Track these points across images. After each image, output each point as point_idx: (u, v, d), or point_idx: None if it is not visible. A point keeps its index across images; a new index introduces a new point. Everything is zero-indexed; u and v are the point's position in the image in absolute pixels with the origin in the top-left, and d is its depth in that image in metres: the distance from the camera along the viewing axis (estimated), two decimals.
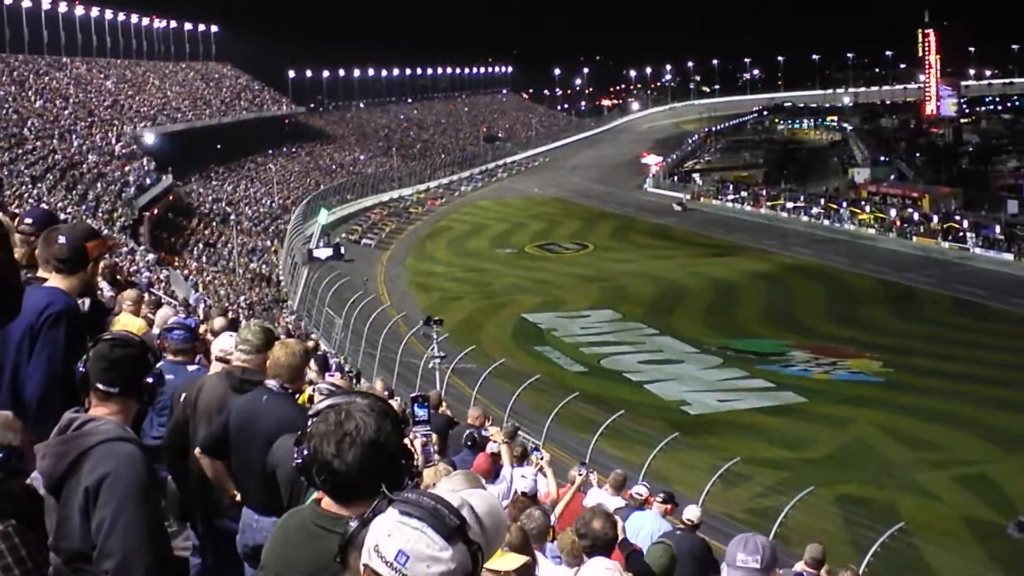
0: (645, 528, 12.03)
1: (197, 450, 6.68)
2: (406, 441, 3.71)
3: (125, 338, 4.82)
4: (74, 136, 70.03)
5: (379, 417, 3.60)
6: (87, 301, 6.26)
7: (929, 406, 47.04)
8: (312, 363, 17.64)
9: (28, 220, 6.85)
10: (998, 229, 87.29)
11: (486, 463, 12.08)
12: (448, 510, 2.67)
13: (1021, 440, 42.58)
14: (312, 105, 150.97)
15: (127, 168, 69.08)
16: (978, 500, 36.96)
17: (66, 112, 75.99)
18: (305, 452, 3.63)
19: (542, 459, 14.21)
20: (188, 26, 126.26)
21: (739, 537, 5.37)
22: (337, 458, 3.53)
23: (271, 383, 6.44)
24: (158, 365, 4.90)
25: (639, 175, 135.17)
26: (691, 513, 12.98)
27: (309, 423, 3.65)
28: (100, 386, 4.57)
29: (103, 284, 13.55)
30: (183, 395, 7.25)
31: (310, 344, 24.87)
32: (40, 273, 5.75)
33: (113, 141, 74.45)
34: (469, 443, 14.53)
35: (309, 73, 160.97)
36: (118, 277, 17.03)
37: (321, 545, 3.61)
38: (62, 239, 5.67)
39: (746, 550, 5.11)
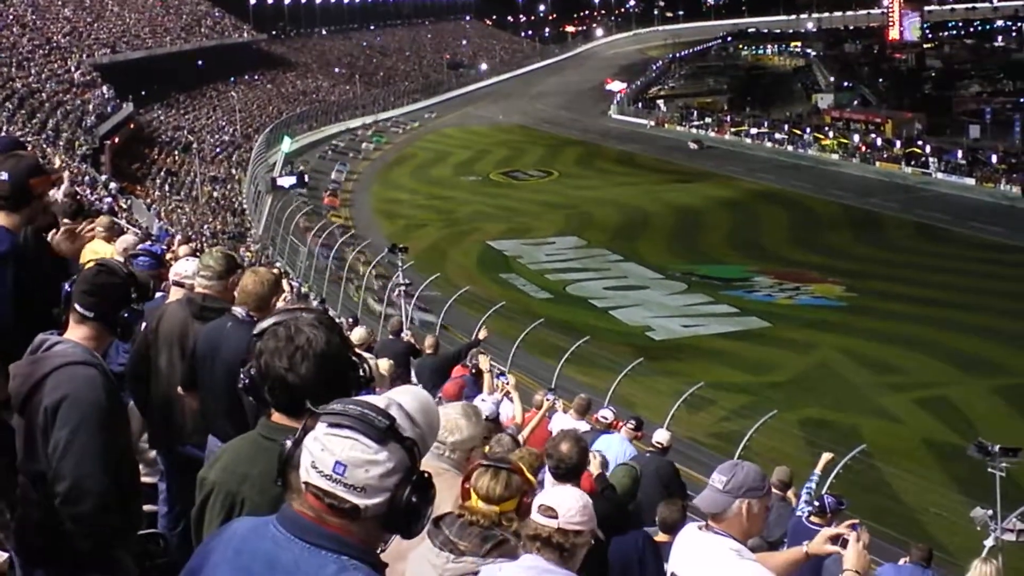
0: (611, 450, 12.12)
1: (179, 388, 6.65)
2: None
3: (113, 267, 4.78)
4: (32, 64, 69.09)
5: (327, 330, 3.67)
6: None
7: (891, 330, 47.46)
8: (288, 289, 17.65)
9: None
10: (960, 154, 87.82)
11: (455, 388, 12.13)
12: (375, 412, 2.69)
13: (981, 363, 43.09)
14: (274, 32, 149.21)
15: (87, 96, 68.32)
16: (939, 422, 37.39)
17: (24, 40, 74.84)
18: (253, 371, 3.67)
19: (508, 383, 14.26)
20: None
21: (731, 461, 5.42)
22: (290, 372, 3.58)
23: (238, 310, 6.36)
24: (142, 304, 4.83)
25: (604, 102, 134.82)
26: (661, 436, 13.14)
27: (257, 342, 3.69)
28: (78, 308, 4.56)
29: (66, 221, 13.38)
30: (144, 322, 7.21)
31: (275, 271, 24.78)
32: None
33: (72, 69, 73.54)
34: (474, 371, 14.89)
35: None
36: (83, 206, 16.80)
37: (272, 456, 3.66)
38: (4, 175, 5.53)
39: (721, 471, 5.15)
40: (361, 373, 3.73)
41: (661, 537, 8.57)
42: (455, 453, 5.29)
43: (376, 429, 2.66)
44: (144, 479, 6.74)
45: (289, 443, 2.84)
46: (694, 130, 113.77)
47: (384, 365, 11.96)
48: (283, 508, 2.79)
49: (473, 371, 15.27)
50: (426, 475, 2.73)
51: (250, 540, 2.78)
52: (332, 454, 2.64)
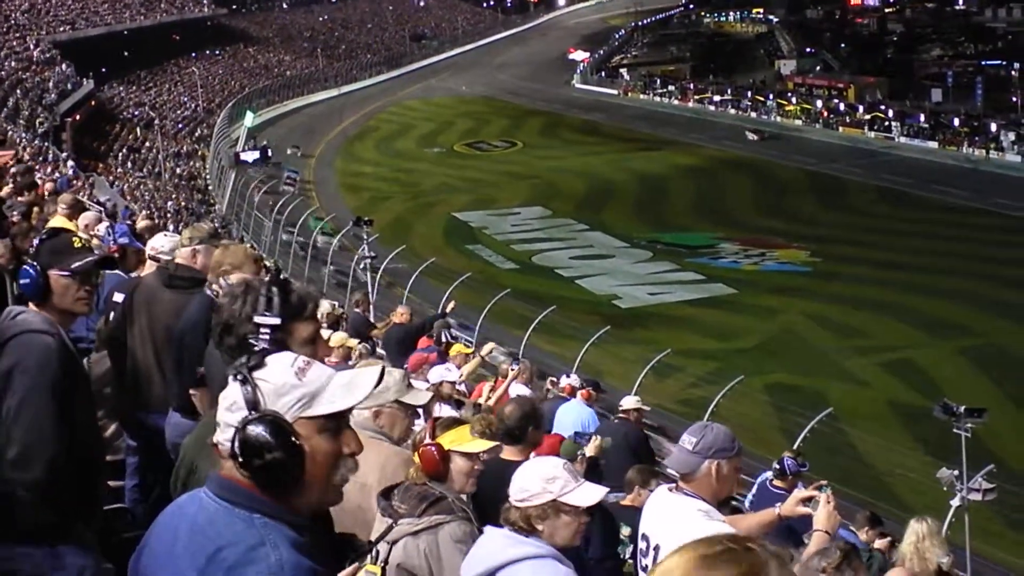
0: (569, 417, 12.26)
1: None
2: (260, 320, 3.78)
3: (54, 231, 4.79)
4: None
5: (243, 290, 3.81)
6: None
7: (856, 294, 47.71)
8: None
9: None
10: (923, 118, 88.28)
11: (420, 360, 12.18)
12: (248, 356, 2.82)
13: (946, 325, 43.38)
14: (234, 6, 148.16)
15: (47, 74, 67.77)
16: (904, 385, 37.58)
17: None
18: None
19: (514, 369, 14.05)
20: None
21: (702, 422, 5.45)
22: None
23: (219, 285, 6.37)
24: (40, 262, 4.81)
25: (567, 71, 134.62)
26: (628, 403, 13.12)
27: None
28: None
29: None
30: (117, 293, 7.29)
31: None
32: None
33: (32, 47, 72.95)
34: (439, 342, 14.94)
35: None
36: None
37: None
38: None
39: (691, 432, 5.18)
40: (259, 343, 3.72)
41: (626, 501, 8.63)
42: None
43: (233, 368, 2.76)
44: (115, 457, 6.75)
45: None
46: (657, 98, 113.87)
47: (336, 338, 11.99)
48: (211, 473, 2.82)
49: (438, 342, 15.28)
50: (277, 417, 2.66)
51: (184, 506, 2.82)
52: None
